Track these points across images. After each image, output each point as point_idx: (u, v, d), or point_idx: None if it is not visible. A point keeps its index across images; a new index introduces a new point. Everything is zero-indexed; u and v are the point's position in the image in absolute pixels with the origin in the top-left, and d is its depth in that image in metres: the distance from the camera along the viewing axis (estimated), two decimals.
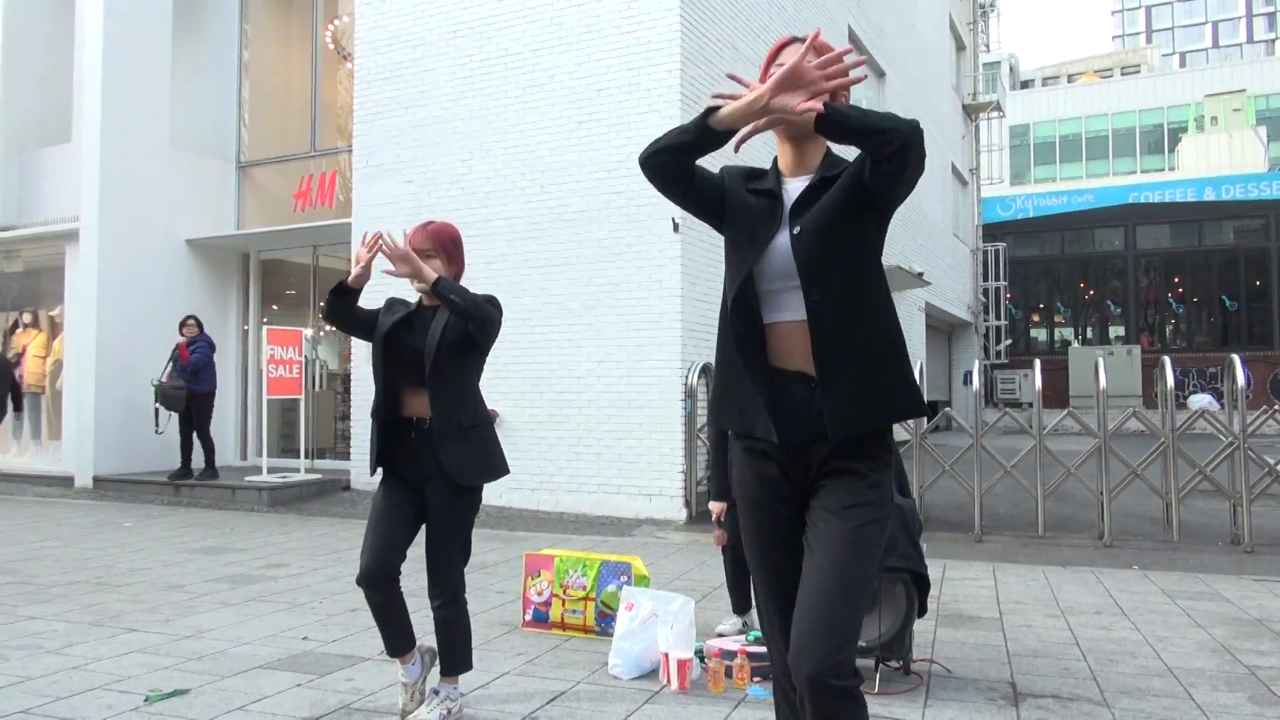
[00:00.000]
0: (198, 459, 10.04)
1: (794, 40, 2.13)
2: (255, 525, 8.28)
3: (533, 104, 9.20)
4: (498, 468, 3.20)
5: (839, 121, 1.85)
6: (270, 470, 10.06)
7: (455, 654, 3.20)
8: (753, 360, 1.99)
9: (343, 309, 3.17)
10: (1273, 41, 67.01)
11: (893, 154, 1.84)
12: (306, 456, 10.50)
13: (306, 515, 8.97)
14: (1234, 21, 70.22)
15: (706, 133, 1.96)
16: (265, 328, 10.25)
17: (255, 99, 12.41)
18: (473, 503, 3.17)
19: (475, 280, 8.80)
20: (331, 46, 12.08)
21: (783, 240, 1.99)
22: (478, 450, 3.13)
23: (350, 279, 3.12)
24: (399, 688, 3.30)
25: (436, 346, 3.07)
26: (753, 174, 2.17)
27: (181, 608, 5.03)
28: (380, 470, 3.21)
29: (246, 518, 8.78)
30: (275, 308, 12.52)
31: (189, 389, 9.72)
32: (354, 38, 10.36)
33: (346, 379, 10.71)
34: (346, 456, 10.36)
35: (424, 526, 3.17)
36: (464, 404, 3.13)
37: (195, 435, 9.98)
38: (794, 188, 2.08)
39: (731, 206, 2.10)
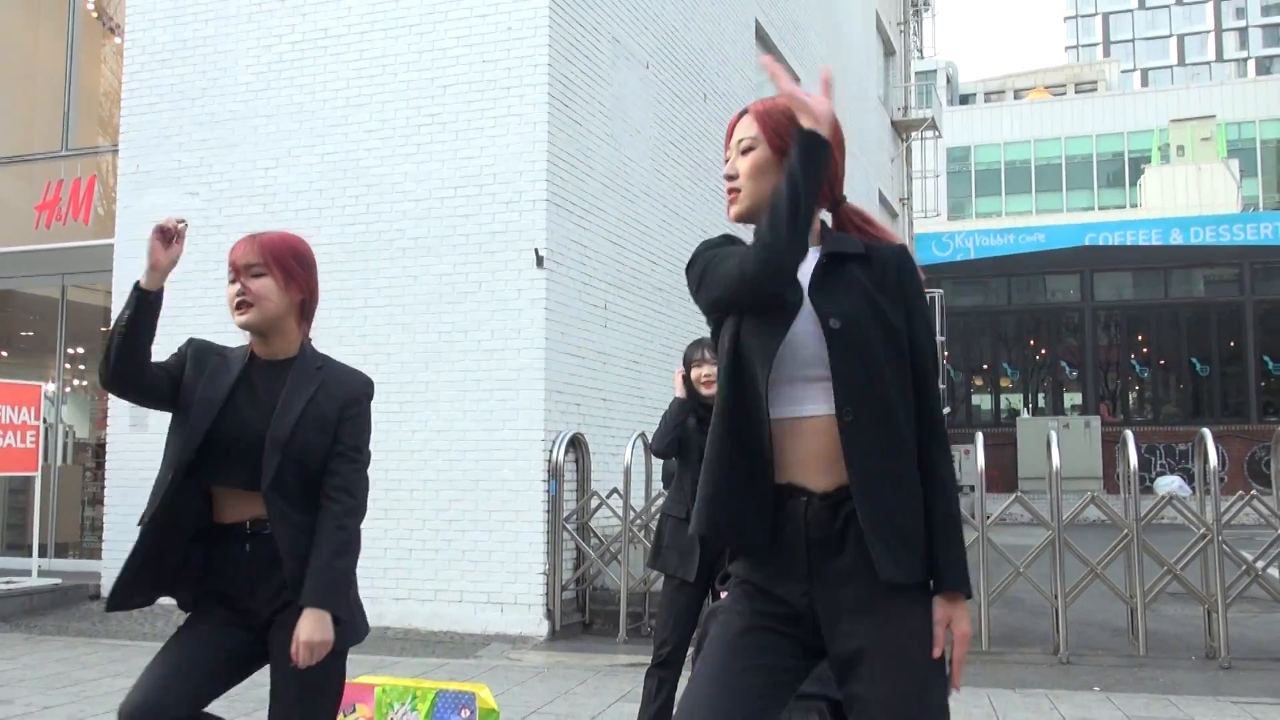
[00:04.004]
0: None
1: (745, 112, 2.30)
2: None
3: (359, 100, 9.16)
4: (358, 622, 2.91)
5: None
6: None
7: None
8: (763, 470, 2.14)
9: (138, 350, 2.71)
10: (1244, 61, 72.59)
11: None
12: (41, 555, 10.00)
13: (39, 634, 8.52)
14: (1201, 36, 75.84)
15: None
16: None
17: None
18: (342, 670, 2.86)
19: None
20: (94, 15, 11.80)
21: (800, 328, 2.13)
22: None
23: (147, 278, 2.70)
24: None
25: (288, 437, 2.74)
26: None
27: None
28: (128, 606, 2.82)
29: None
30: (4, 354, 11.97)
31: None
32: (124, 5, 10.16)
33: (100, 450, 10.27)
34: (97, 555, 9.91)
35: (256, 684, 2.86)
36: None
37: None
38: None
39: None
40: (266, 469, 2.72)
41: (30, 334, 12.09)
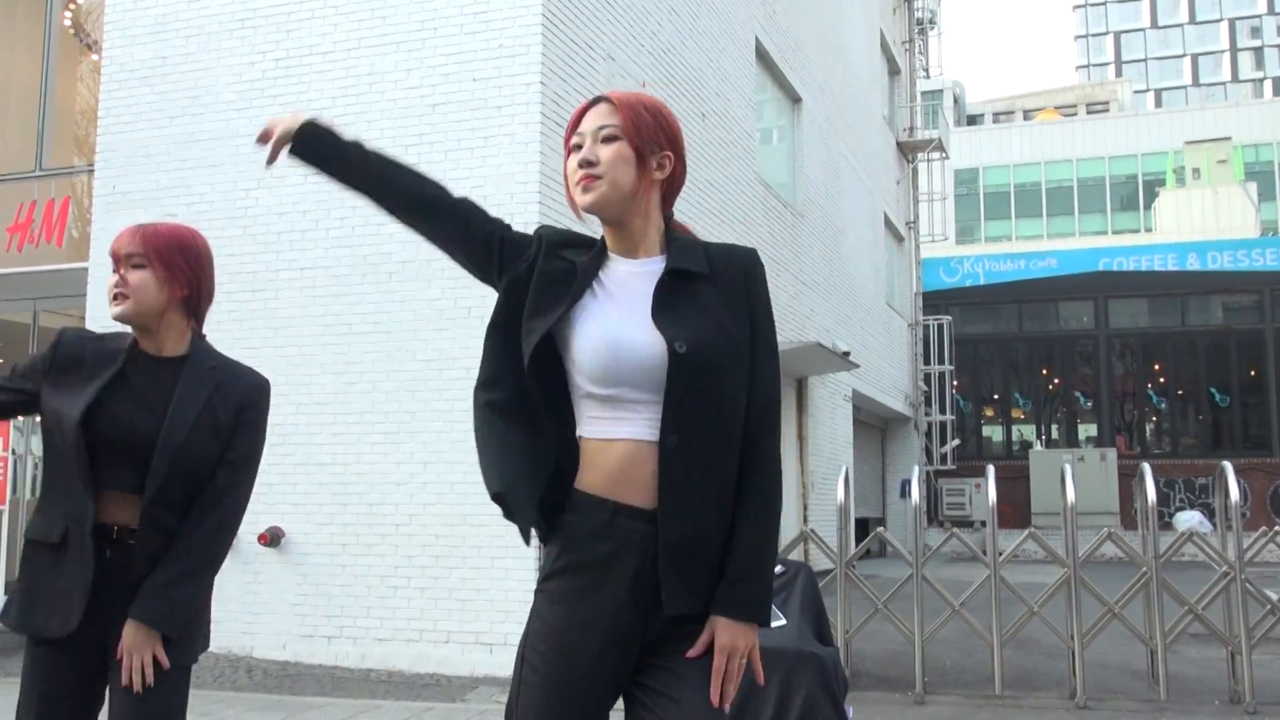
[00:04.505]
0: None
1: (601, 100, 2.23)
2: None
3: (345, 118, 9.09)
4: (202, 636, 2.82)
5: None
6: None
7: None
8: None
9: None
10: (1260, 81, 73.02)
11: None
12: (4, 592, 9.86)
13: (3, 675, 8.34)
14: (1216, 56, 76.31)
15: None
16: None
17: None
18: (185, 685, 2.74)
19: (259, 351, 8.54)
20: (71, 31, 11.81)
21: (635, 336, 2.11)
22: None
23: None
24: None
25: (180, 444, 2.65)
26: (571, 241, 2.29)
27: None
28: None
29: None
30: None
31: None
32: (103, 20, 10.14)
33: None
34: None
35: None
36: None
37: None
38: (626, 271, 2.21)
39: (537, 274, 2.23)
40: (154, 476, 2.64)
41: (0, 360, 12.01)
